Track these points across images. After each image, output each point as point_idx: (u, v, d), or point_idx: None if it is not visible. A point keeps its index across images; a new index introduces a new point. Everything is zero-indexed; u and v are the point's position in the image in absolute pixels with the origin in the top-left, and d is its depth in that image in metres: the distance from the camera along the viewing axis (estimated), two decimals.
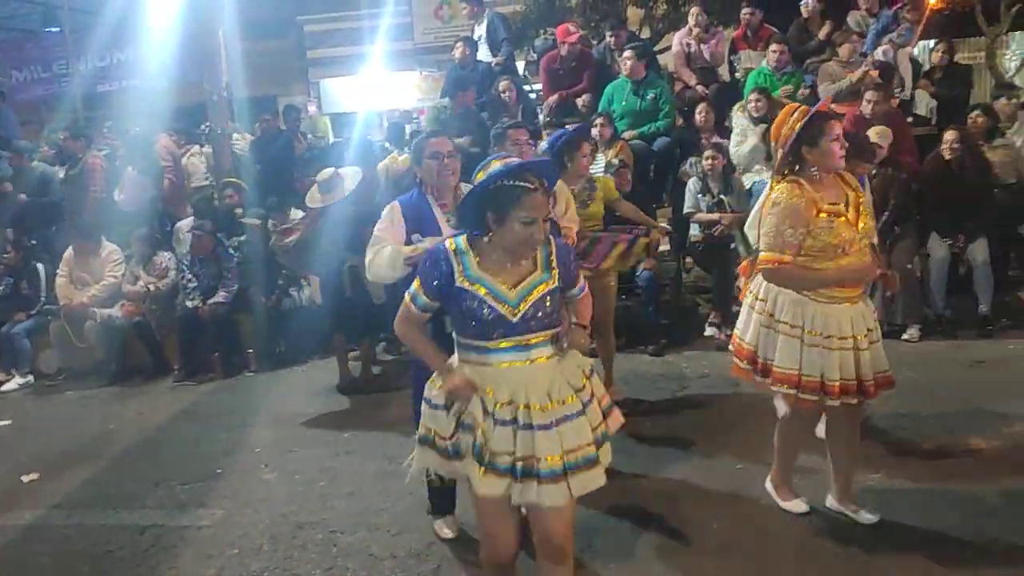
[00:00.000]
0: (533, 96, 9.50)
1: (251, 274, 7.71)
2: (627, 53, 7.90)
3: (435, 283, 2.65)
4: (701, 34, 8.58)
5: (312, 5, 17.64)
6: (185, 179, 9.38)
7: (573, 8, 10.93)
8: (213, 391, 7.15)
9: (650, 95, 7.83)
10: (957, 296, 6.72)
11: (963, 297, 6.70)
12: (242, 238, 7.94)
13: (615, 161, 6.89)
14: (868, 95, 7.14)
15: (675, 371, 6.27)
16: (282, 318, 7.65)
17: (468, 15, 9.46)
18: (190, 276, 7.63)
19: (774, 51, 7.83)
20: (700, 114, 7.59)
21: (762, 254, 3.46)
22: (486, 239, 2.64)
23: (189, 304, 7.54)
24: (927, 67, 8.39)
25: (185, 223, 8.16)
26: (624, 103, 7.86)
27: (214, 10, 9.87)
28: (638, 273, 6.84)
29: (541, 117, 8.84)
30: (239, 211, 8.19)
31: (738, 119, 7.40)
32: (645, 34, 10.97)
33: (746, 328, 3.66)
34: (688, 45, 8.66)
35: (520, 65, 10.40)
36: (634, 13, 12.01)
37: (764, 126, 6.88)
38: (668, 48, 9.43)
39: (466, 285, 2.61)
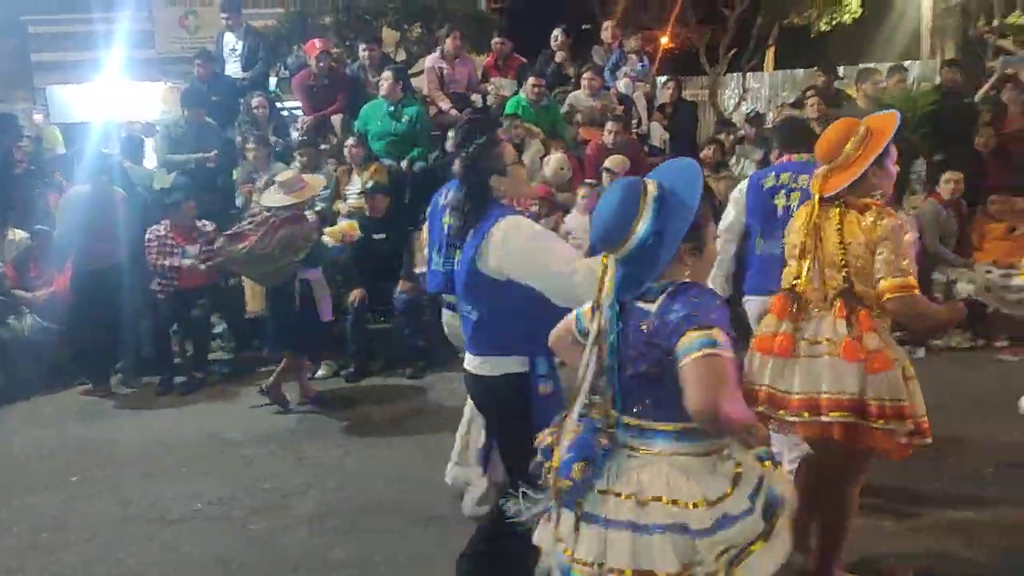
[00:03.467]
0: (286, 113, 9.24)
1: None
2: (385, 74, 7.90)
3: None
4: (453, 57, 8.77)
5: (38, 5, 16.09)
6: None
7: (327, 26, 10.75)
8: None
9: (406, 117, 7.87)
10: None
11: None
12: None
13: (369, 184, 6.85)
14: (609, 126, 7.64)
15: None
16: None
17: (227, 25, 9.04)
18: None
19: (533, 85, 8.10)
20: (453, 140, 7.71)
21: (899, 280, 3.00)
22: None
23: None
24: (660, 102, 9.11)
25: None
26: (380, 124, 7.84)
27: None
28: (396, 295, 6.86)
29: (295, 135, 8.61)
30: None
31: None
32: (400, 57, 11.02)
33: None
34: (441, 69, 8.81)
35: (273, 81, 10.09)
36: (389, 35, 12.03)
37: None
38: (422, 72, 9.53)
39: None
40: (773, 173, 4.30)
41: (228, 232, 6.20)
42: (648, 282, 2.19)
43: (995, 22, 10.58)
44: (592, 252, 2.76)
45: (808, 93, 8.09)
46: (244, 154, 7.69)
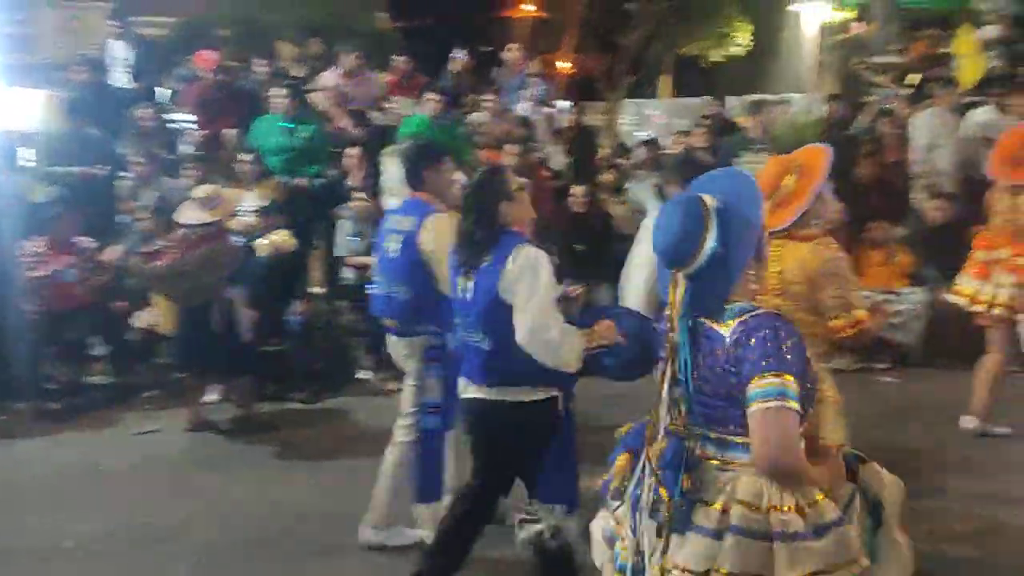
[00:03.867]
0: (174, 126, 8.91)
1: None
2: (278, 91, 7.71)
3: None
4: (354, 75, 8.65)
5: None
6: None
7: (222, 38, 10.47)
8: None
9: (302, 133, 7.70)
10: None
11: None
12: None
13: (264, 203, 6.67)
14: (508, 148, 7.66)
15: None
16: None
17: (115, 33, 8.68)
18: None
19: (430, 100, 8.04)
20: (351, 157, 7.61)
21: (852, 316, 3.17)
22: None
23: None
24: (561, 126, 9.21)
25: None
26: (275, 140, 7.64)
27: None
28: (291, 316, 6.68)
29: (187, 148, 8.31)
30: None
31: (389, 164, 7.51)
32: (298, 71, 10.82)
33: None
34: (340, 86, 8.67)
35: (163, 92, 9.74)
36: (287, 49, 11.81)
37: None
38: (321, 88, 9.37)
39: None
40: None
41: (143, 250, 6.04)
42: (723, 297, 2.13)
43: (872, 59, 11.17)
44: None
45: (702, 122, 8.32)
46: (130, 168, 7.36)
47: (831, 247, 3.25)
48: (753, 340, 2.05)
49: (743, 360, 2.05)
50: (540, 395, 3.15)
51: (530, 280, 3.06)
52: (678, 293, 2.16)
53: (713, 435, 2.15)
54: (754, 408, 2.02)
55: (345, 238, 7.00)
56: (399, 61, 9.08)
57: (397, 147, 7.62)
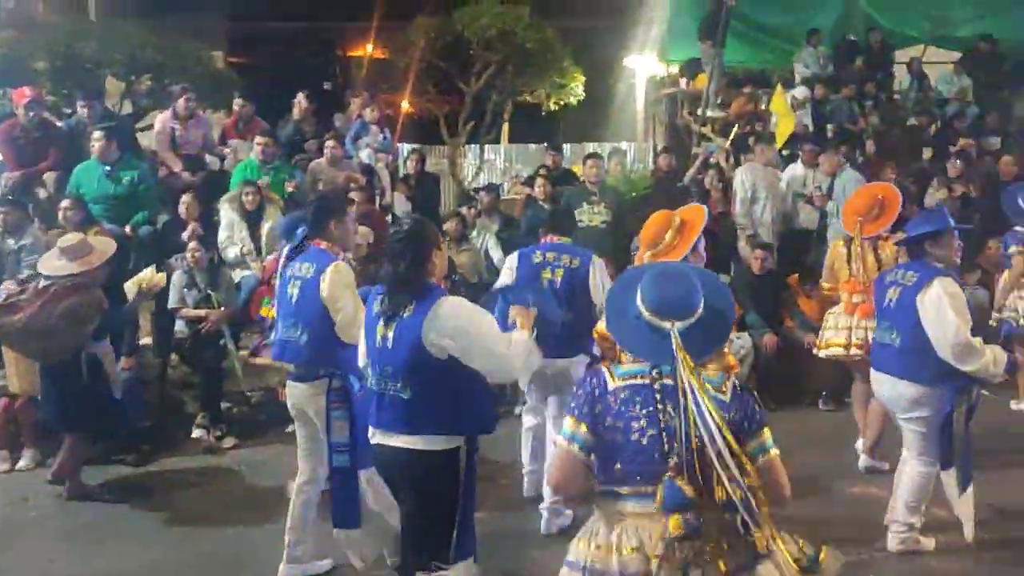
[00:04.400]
0: None
1: None
2: (96, 134, 7.29)
3: None
4: (187, 117, 8.31)
5: None
6: None
7: (40, 71, 9.77)
8: None
9: (127, 179, 7.30)
10: None
11: None
12: None
13: None
14: (352, 195, 7.57)
15: None
16: None
17: None
18: None
19: (259, 143, 7.82)
20: (184, 204, 7.29)
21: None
22: None
23: None
24: (403, 173, 9.22)
25: None
26: (96, 187, 7.20)
27: None
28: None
29: None
30: None
31: (226, 212, 7.27)
32: (127, 109, 10.27)
33: None
34: (173, 128, 8.32)
35: None
36: (113, 85, 11.21)
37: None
38: (151, 127, 8.95)
39: None
40: (540, 251, 4.99)
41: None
42: (712, 350, 2.56)
43: (699, 112, 11.85)
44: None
45: (539, 171, 8.54)
46: None
47: None
48: (749, 399, 2.54)
49: (748, 418, 2.50)
50: (456, 443, 3.19)
51: (472, 331, 3.15)
52: (675, 344, 2.44)
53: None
54: (768, 457, 2.49)
55: (177, 289, 6.66)
56: (236, 103, 8.82)
57: (233, 194, 7.41)
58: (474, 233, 8.29)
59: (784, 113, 9.97)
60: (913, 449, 4.47)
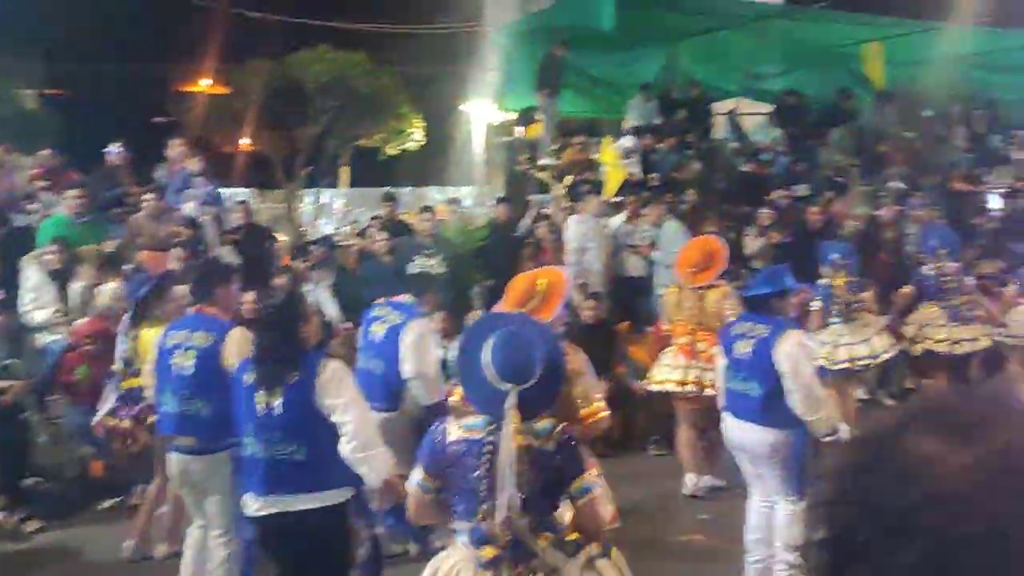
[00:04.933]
0: None
1: None
2: None
3: None
4: None
5: None
6: None
7: None
8: None
9: None
10: None
11: None
12: None
13: None
14: (175, 252, 7.23)
15: None
16: None
17: None
18: None
19: (73, 197, 7.39)
20: None
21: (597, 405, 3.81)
22: None
23: None
24: (231, 226, 8.87)
25: None
26: None
27: None
28: None
29: None
30: None
31: (32, 272, 6.76)
32: None
33: None
34: None
35: None
36: None
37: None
38: None
39: None
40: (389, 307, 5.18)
41: None
42: (548, 406, 2.87)
43: (535, 159, 12.13)
44: None
45: (372, 223, 8.46)
46: None
47: (575, 350, 3.79)
48: (575, 443, 2.91)
49: (570, 464, 2.84)
50: (349, 494, 3.46)
51: (347, 391, 3.45)
52: (509, 404, 2.73)
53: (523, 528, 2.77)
54: (591, 495, 2.81)
55: None
56: (44, 154, 8.26)
57: (40, 252, 6.91)
58: (306, 286, 8.07)
59: (613, 163, 10.36)
60: (778, 492, 4.65)
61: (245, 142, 15.63)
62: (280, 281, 7.63)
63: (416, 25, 16.71)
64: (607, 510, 2.95)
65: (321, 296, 8.05)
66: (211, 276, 4.26)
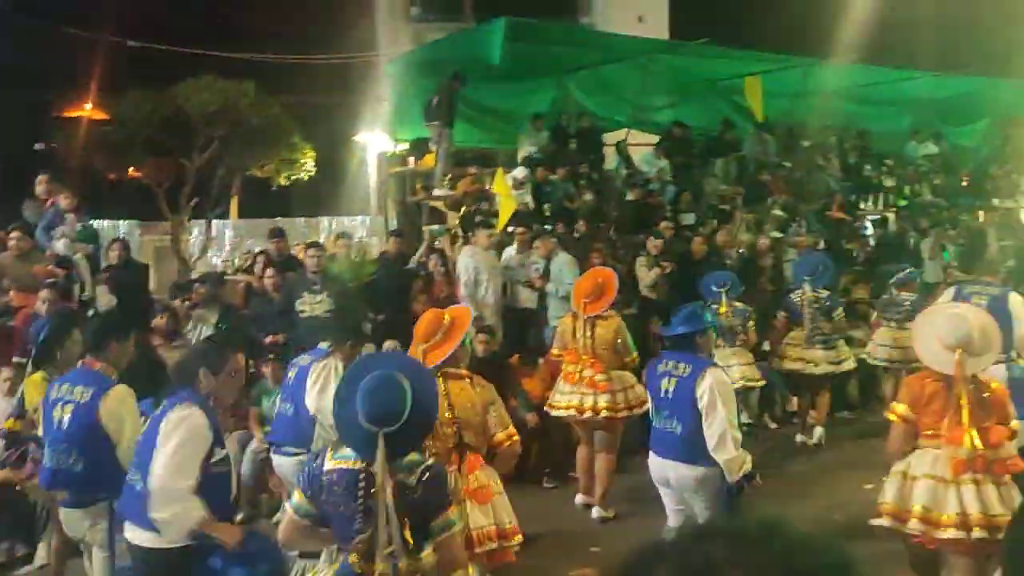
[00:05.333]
0: None
1: None
2: None
3: None
4: None
5: None
6: None
7: None
8: None
9: None
10: None
11: None
12: None
13: None
14: (43, 294, 6.87)
15: None
16: None
17: None
18: None
19: None
20: None
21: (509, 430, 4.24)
22: None
23: None
24: (107, 264, 8.48)
25: None
26: None
27: None
28: None
29: None
30: None
31: None
32: None
33: None
34: None
35: None
36: None
37: None
38: None
39: None
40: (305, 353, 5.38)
41: None
42: (417, 445, 3.00)
43: (430, 192, 12.11)
44: None
45: (259, 258, 8.26)
46: None
47: (484, 384, 4.21)
48: (438, 482, 3.00)
49: (430, 501, 2.94)
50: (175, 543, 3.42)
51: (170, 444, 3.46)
52: (379, 447, 2.85)
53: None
54: (448, 534, 2.95)
55: None
56: None
57: None
58: (189, 326, 7.81)
59: (506, 194, 10.40)
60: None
61: (130, 172, 15.07)
62: (160, 322, 7.36)
63: (306, 55, 16.53)
64: (461, 552, 3.09)
65: (205, 335, 7.79)
66: (107, 329, 4.21)
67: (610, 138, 14.00)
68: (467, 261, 8.64)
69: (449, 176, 12.15)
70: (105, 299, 7.97)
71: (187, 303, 7.94)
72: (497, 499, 4.14)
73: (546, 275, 8.77)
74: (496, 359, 7.94)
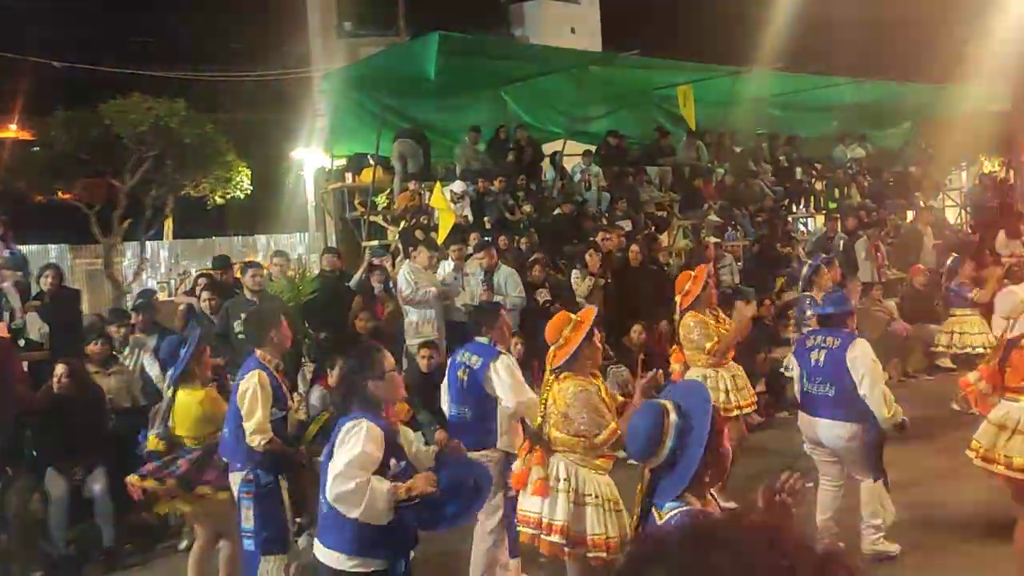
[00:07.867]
0: None
1: None
2: None
3: None
4: None
5: None
6: None
7: None
8: None
9: None
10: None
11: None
12: None
13: None
14: None
15: None
16: None
17: None
18: None
19: None
20: None
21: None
22: None
23: None
24: (38, 290, 8.27)
25: None
26: None
27: None
28: None
29: None
30: None
31: None
32: None
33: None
34: None
35: None
36: None
37: None
38: None
39: None
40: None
41: None
42: (680, 489, 2.61)
43: (368, 208, 12.09)
44: None
45: (200, 282, 8.13)
46: None
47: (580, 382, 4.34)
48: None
49: None
50: (360, 567, 3.47)
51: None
52: (642, 484, 2.76)
53: None
54: None
55: None
56: None
57: None
58: (125, 351, 7.65)
59: (445, 208, 10.41)
60: (858, 476, 5.47)
61: (58, 194, 14.70)
62: (95, 349, 7.20)
63: (239, 72, 16.34)
64: None
65: (145, 360, 7.65)
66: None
67: (547, 149, 14.12)
68: (408, 276, 8.62)
69: (388, 195, 12.16)
70: (36, 326, 7.79)
71: (123, 329, 7.77)
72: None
73: (489, 288, 8.78)
74: (438, 374, 7.94)
